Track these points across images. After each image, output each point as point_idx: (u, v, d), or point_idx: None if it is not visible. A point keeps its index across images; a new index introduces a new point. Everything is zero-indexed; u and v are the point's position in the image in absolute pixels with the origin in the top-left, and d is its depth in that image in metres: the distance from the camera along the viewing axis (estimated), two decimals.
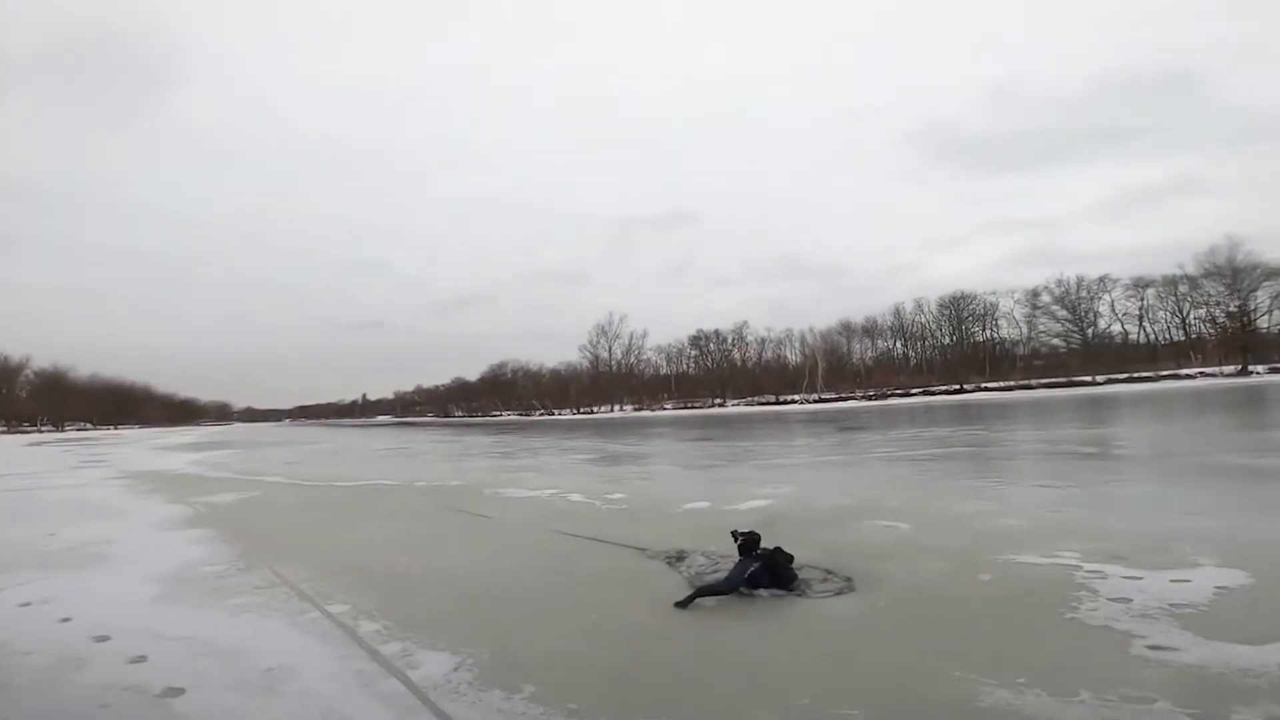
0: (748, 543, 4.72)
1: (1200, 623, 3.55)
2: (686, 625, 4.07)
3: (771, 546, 4.73)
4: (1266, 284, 55.87)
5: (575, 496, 9.60)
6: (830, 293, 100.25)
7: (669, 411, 70.44)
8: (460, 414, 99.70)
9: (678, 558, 5.60)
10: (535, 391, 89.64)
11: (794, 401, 66.06)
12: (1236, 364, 54.73)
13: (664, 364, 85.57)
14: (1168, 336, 64.91)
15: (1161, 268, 62.04)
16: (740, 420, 39.76)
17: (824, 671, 3.26)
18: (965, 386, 61.00)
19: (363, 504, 10.15)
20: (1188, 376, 54.27)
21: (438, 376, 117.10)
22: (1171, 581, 4.28)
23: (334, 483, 13.55)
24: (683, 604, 4.32)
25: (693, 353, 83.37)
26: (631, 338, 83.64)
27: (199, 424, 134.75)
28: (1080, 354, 63.07)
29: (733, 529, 4.93)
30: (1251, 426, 15.92)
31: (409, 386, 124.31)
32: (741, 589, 4.41)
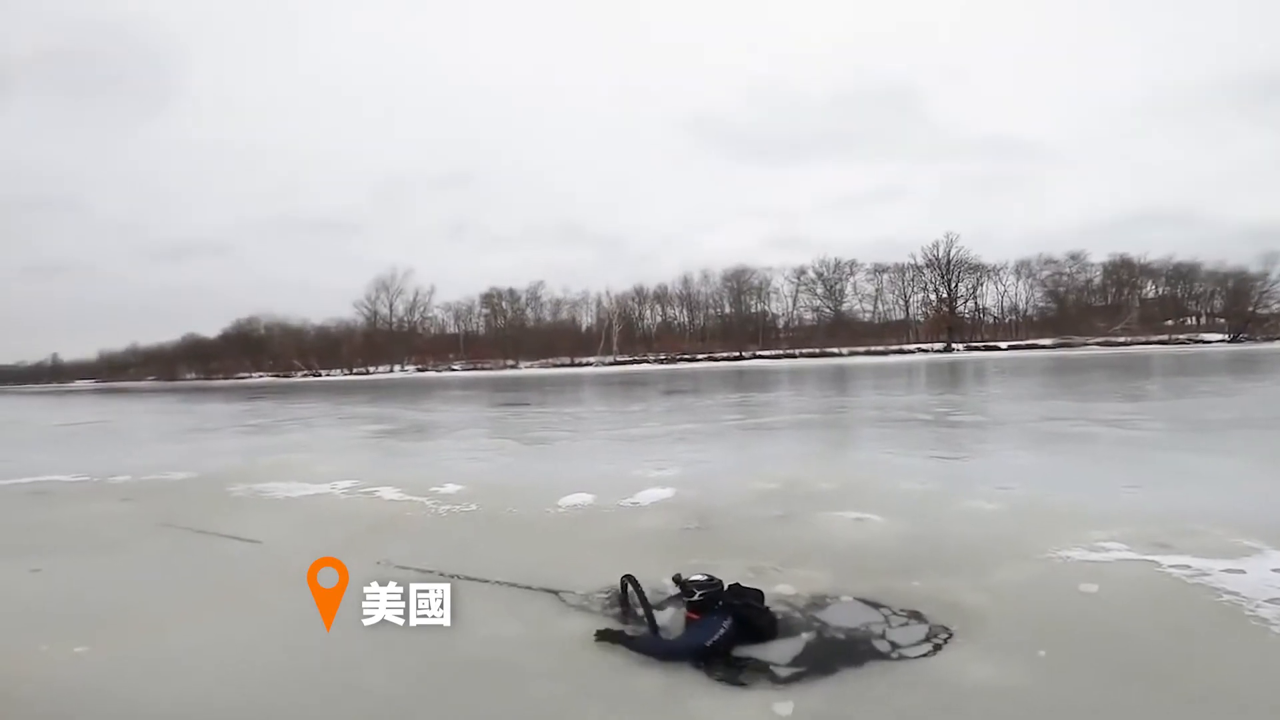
0: (710, 597, 3.11)
1: None
2: None
3: (731, 585, 3.22)
4: (968, 277, 68.82)
5: (388, 491, 6.71)
6: (610, 261, 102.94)
7: (458, 373, 65.43)
8: (194, 377, 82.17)
9: (627, 600, 3.37)
10: (297, 350, 77.06)
11: (589, 364, 65.59)
12: (942, 341, 66.48)
13: (452, 323, 79.53)
14: (893, 316, 76.39)
15: (877, 259, 72.30)
16: (541, 383, 37.49)
17: None
18: (744, 354, 65.97)
19: (4, 526, 6.09)
20: (909, 351, 64.67)
21: (162, 334, 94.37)
22: (1275, 571, 3.63)
23: None
24: (603, 637, 3.09)
25: (484, 311, 78.49)
26: (417, 294, 76.04)
27: None
28: (827, 328, 71.73)
29: (678, 576, 3.27)
30: (1022, 396, 18.07)
31: (120, 346, 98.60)
32: (698, 660, 2.90)
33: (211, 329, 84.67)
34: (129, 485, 7.73)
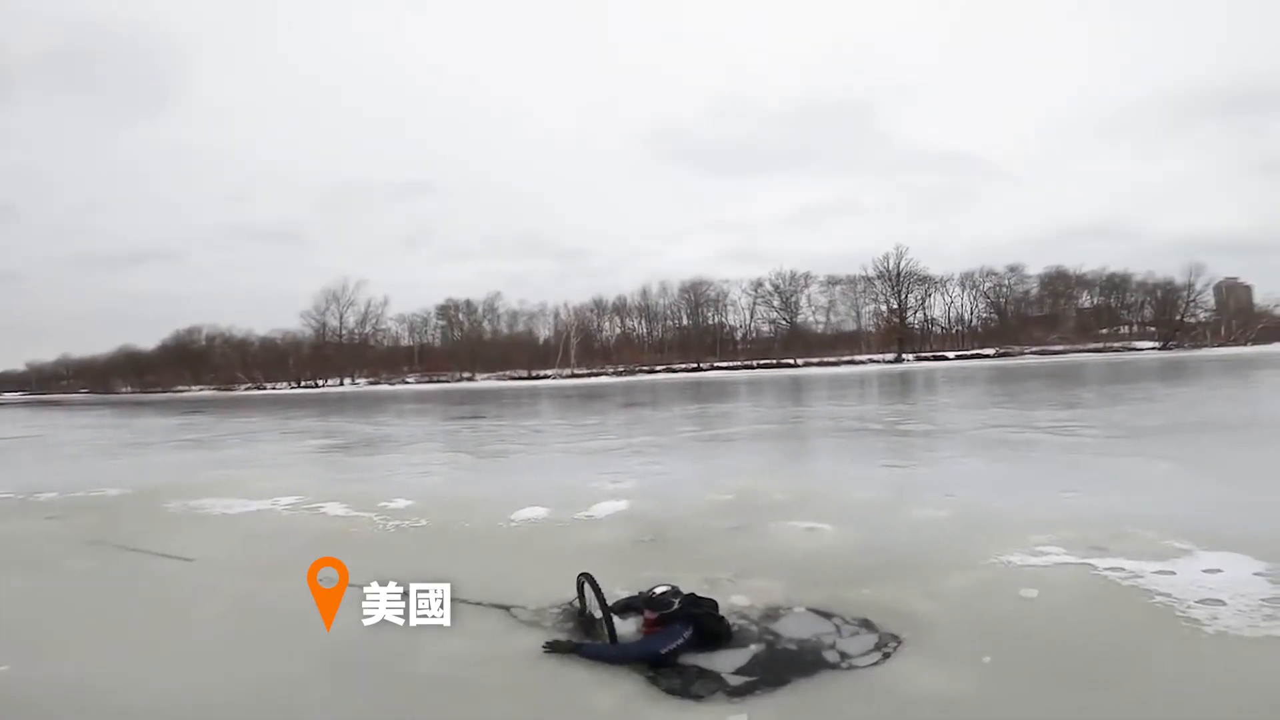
0: (684, 606, 3.08)
1: None
2: None
3: (687, 594, 3.20)
4: (917, 288, 71.05)
5: (334, 507, 6.48)
6: (569, 273, 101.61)
7: (412, 386, 63.94)
8: (129, 390, 78.11)
9: (577, 614, 3.34)
10: (240, 363, 74.02)
11: (547, 377, 65.00)
12: (893, 352, 68.32)
13: (406, 335, 77.83)
14: (845, 327, 78.15)
15: (832, 271, 73.93)
16: (498, 395, 36.93)
17: None
18: (701, 365, 66.48)
19: None
20: (861, 362, 66.19)
21: (96, 345, 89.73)
22: (1205, 572, 3.80)
23: None
24: (553, 648, 3.03)
25: (440, 323, 77.05)
26: (369, 305, 74.11)
27: None
28: (783, 340, 72.96)
29: (641, 591, 3.28)
30: (967, 405, 18.66)
31: (50, 356, 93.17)
32: (653, 667, 2.90)
33: (153, 340, 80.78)
34: (56, 502, 7.28)
